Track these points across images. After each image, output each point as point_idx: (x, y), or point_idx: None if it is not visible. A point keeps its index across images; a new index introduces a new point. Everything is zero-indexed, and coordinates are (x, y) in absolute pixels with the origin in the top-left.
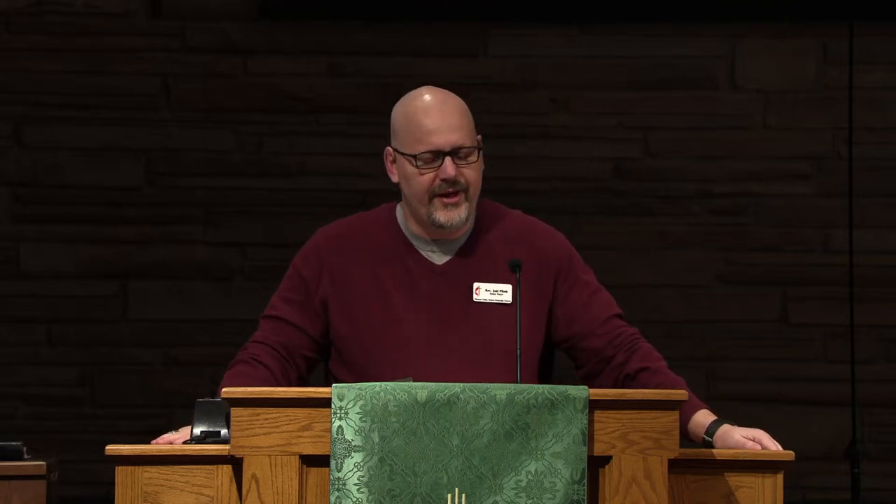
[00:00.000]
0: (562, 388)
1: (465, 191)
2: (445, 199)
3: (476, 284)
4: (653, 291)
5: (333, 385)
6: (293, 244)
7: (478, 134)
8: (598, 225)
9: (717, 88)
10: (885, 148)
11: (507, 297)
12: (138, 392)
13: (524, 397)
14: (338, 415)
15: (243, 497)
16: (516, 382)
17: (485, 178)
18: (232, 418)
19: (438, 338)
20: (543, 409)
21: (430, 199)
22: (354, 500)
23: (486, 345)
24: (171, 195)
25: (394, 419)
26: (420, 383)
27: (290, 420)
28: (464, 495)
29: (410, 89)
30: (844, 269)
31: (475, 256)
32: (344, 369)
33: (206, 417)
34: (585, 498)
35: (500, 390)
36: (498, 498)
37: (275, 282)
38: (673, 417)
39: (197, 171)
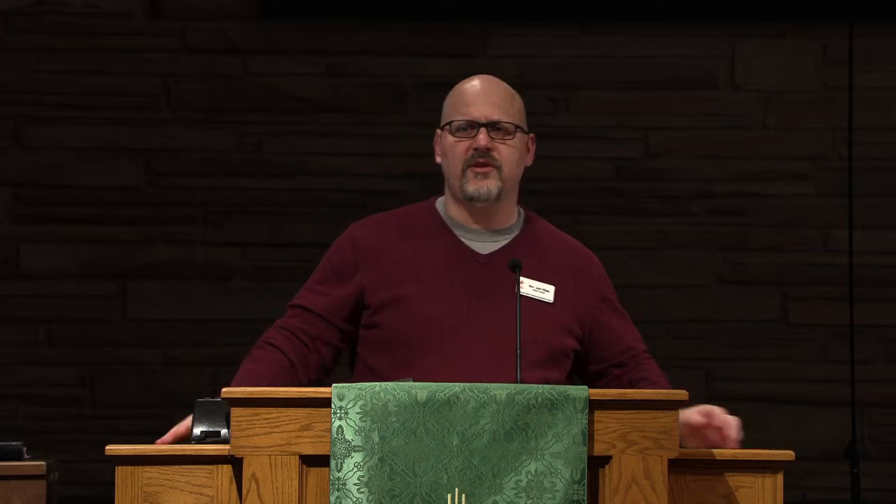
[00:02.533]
0: (562, 388)
1: (499, 168)
2: (476, 169)
3: (520, 278)
4: (653, 291)
5: (333, 385)
6: (293, 244)
7: (529, 132)
8: (598, 225)
9: (717, 88)
10: (885, 148)
11: (549, 297)
12: (138, 392)
13: (524, 397)
14: (338, 415)
15: (243, 497)
16: (544, 380)
17: None
18: (232, 418)
19: (479, 326)
20: (543, 409)
21: (464, 171)
22: (354, 500)
23: (524, 337)
24: (171, 195)
25: (394, 419)
26: (420, 383)
27: (290, 420)
28: (464, 495)
29: (410, 89)
30: (844, 269)
31: (522, 253)
32: (378, 355)
33: (206, 417)
34: (585, 498)
35: (500, 390)
36: (498, 498)
37: (275, 282)
38: (673, 417)
39: (197, 171)
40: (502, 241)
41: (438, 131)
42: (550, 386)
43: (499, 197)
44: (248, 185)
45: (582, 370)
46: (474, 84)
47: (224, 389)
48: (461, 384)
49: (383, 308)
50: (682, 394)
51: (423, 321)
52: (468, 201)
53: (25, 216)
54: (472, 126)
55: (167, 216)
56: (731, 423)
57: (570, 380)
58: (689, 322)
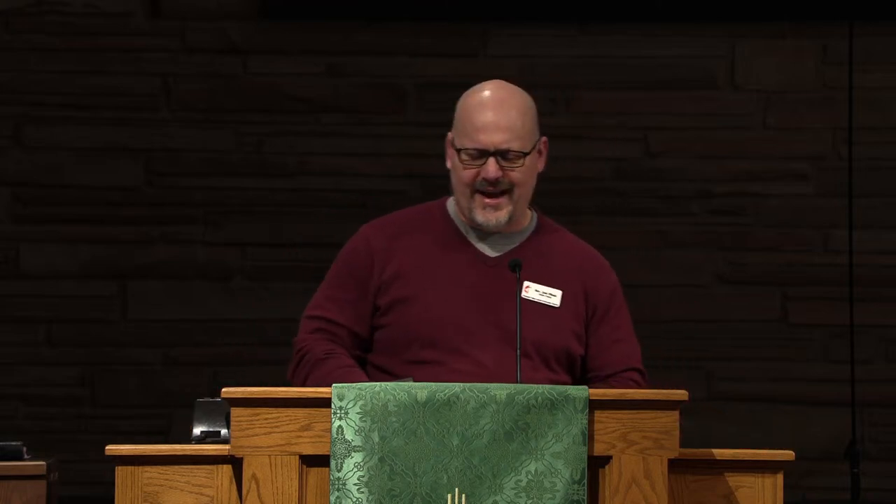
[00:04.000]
0: (562, 388)
1: (510, 191)
2: (486, 200)
3: (526, 283)
4: (653, 291)
5: (333, 385)
6: (293, 244)
7: (541, 136)
8: (598, 225)
9: (717, 88)
10: (885, 148)
11: (555, 301)
12: (138, 392)
13: (524, 397)
14: (338, 415)
15: (243, 497)
16: (554, 381)
17: None
18: (232, 418)
19: (483, 325)
20: (543, 409)
21: (472, 195)
22: (354, 500)
23: (529, 339)
24: (171, 195)
25: (394, 419)
26: (420, 383)
27: (290, 420)
28: (464, 495)
29: (410, 89)
30: (844, 269)
31: (530, 257)
32: (387, 356)
33: (206, 417)
34: (585, 498)
35: (500, 390)
36: (498, 498)
37: (275, 282)
38: (673, 417)
39: (197, 171)
40: (511, 245)
41: (450, 135)
42: (550, 386)
43: (510, 220)
44: (248, 185)
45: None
46: (486, 102)
47: (224, 389)
48: (461, 384)
49: (392, 308)
50: (682, 394)
51: (431, 322)
52: (475, 225)
53: (25, 216)
54: (482, 154)
55: (167, 216)
56: None
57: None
58: (690, 322)
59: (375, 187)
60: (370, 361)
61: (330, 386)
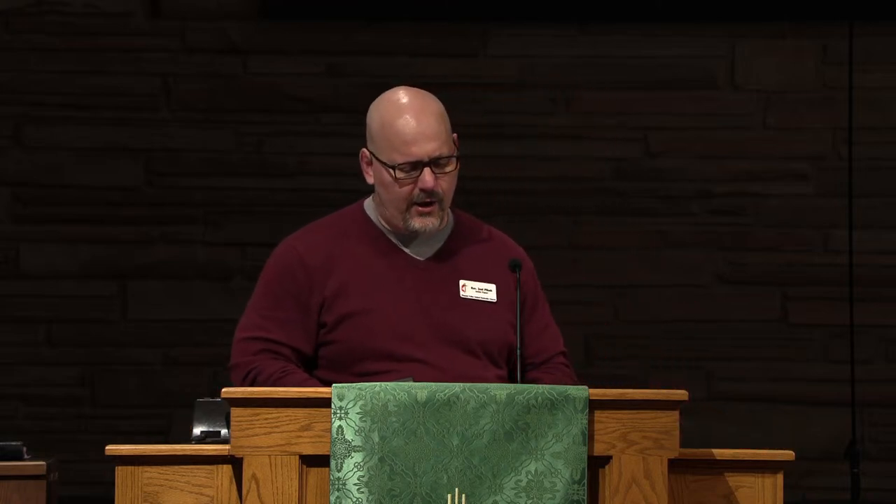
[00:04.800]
0: (562, 388)
1: (441, 201)
2: (421, 208)
3: (462, 282)
4: (653, 291)
5: (333, 385)
6: None
7: (453, 132)
8: (598, 225)
9: (717, 88)
10: (885, 148)
11: (492, 296)
12: (138, 392)
13: (524, 397)
14: (338, 415)
15: (243, 497)
16: (501, 377)
17: (485, 178)
18: (232, 418)
19: (430, 330)
20: (543, 409)
21: (408, 208)
22: (354, 500)
23: (476, 339)
24: (171, 195)
25: (394, 419)
26: (420, 383)
27: (290, 420)
28: (464, 495)
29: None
30: (844, 269)
31: (457, 256)
32: (334, 371)
33: (206, 417)
34: (585, 498)
35: (500, 390)
36: (498, 498)
37: None
38: (673, 417)
39: (197, 171)
40: (437, 244)
41: (366, 152)
42: (550, 386)
43: (440, 223)
44: (248, 185)
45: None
46: (405, 112)
47: (224, 389)
48: (461, 384)
49: (339, 324)
50: (682, 394)
51: (381, 333)
52: (411, 234)
53: (25, 216)
54: (416, 167)
55: (167, 216)
56: None
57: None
58: (690, 322)
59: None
60: (318, 377)
61: None
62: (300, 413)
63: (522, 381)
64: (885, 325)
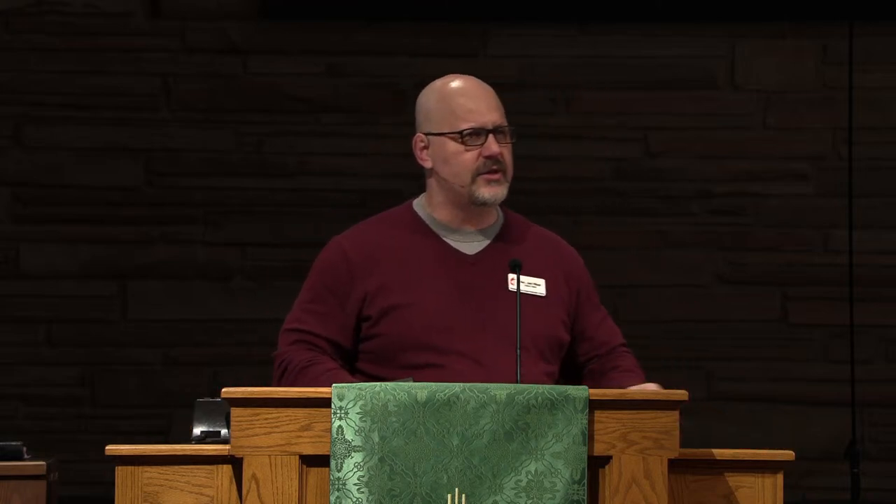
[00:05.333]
0: (562, 388)
1: (504, 171)
2: (488, 176)
3: (510, 276)
4: (653, 291)
5: (333, 385)
6: (293, 244)
7: None
8: (598, 225)
9: (717, 88)
10: (885, 148)
11: (541, 290)
12: (138, 392)
13: (524, 397)
14: (338, 415)
15: (243, 497)
16: (551, 374)
17: None
18: (232, 418)
19: (478, 324)
20: (543, 409)
21: (474, 178)
22: (354, 500)
23: (522, 334)
24: (171, 195)
25: (394, 419)
26: (420, 383)
27: (290, 420)
28: (464, 495)
29: (410, 89)
30: (844, 269)
31: (506, 251)
32: (379, 364)
33: (206, 417)
34: (585, 498)
35: (500, 390)
36: (498, 498)
37: (275, 281)
38: (673, 417)
39: (197, 171)
40: (486, 241)
41: (422, 136)
42: (550, 386)
43: (503, 197)
44: (248, 185)
45: (564, 363)
46: (466, 88)
47: (224, 389)
48: (461, 384)
49: (383, 317)
50: (682, 394)
51: (425, 326)
52: (477, 205)
53: (25, 216)
54: (480, 133)
55: (167, 216)
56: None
57: (562, 373)
58: (689, 322)
59: (375, 187)
60: (361, 371)
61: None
62: (300, 413)
63: (577, 376)
64: (885, 325)
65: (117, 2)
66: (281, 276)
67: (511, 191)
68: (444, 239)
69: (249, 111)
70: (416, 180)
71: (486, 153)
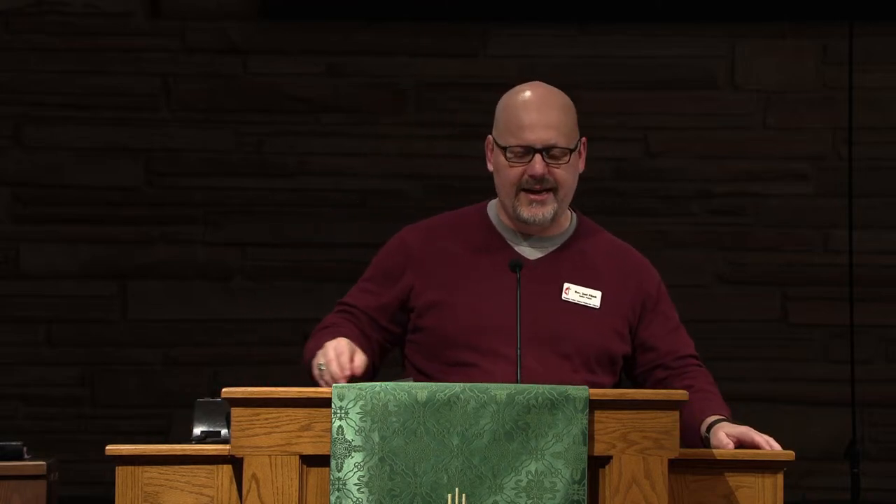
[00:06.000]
0: (562, 388)
1: (554, 190)
2: (532, 196)
3: (566, 285)
4: None
5: (333, 385)
6: (293, 244)
7: (581, 136)
8: (599, 225)
9: (717, 88)
10: (885, 148)
11: (595, 302)
12: (138, 392)
13: (524, 397)
14: (338, 415)
15: (243, 497)
16: (595, 384)
17: (484, 178)
18: (232, 418)
19: (524, 330)
20: (543, 409)
21: (517, 193)
22: (354, 500)
23: (568, 343)
24: (171, 195)
25: (394, 419)
26: (420, 383)
27: (291, 420)
28: (464, 495)
29: (410, 89)
30: (844, 269)
31: (569, 259)
32: (425, 358)
33: (206, 417)
34: (585, 498)
35: (500, 390)
36: (498, 498)
37: (275, 281)
38: (673, 417)
39: (197, 171)
40: (552, 247)
41: (490, 137)
42: (550, 386)
43: (554, 218)
44: (248, 185)
45: (629, 374)
46: (529, 101)
47: (224, 389)
48: (461, 384)
49: (428, 311)
50: (682, 394)
51: (468, 325)
52: (520, 223)
53: (25, 216)
54: (528, 152)
55: (167, 216)
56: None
57: (619, 385)
58: (689, 322)
59: (375, 187)
60: (412, 364)
61: (320, 349)
62: (300, 413)
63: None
64: (885, 325)
65: (117, 2)
66: (281, 276)
67: None
68: (510, 242)
69: (249, 111)
70: (417, 180)
71: (530, 172)
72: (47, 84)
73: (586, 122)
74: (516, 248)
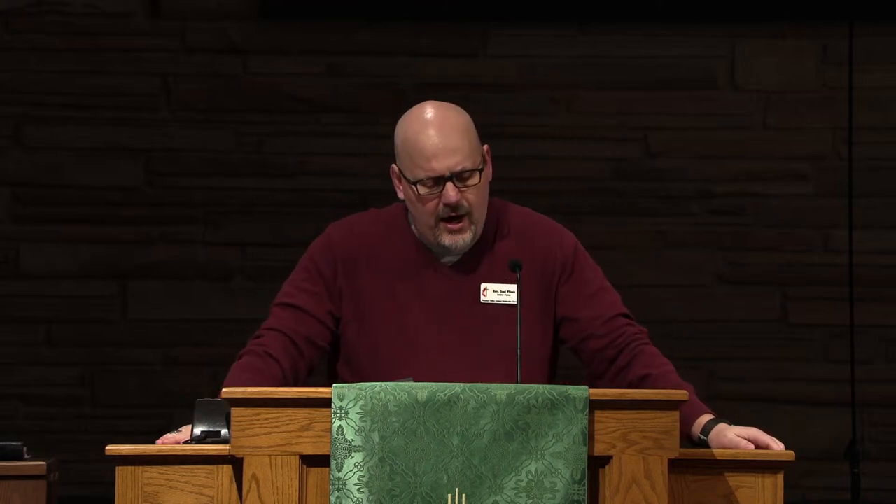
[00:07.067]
0: (562, 388)
1: (469, 214)
2: (450, 226)
3: (483, 285)
4: (653, 291)
5: (334, 385)
6: (293, 244)
7: (483, 144)
8: (598, 225)
9: (717, 88)
10: (885, 148)
11: (512, 298)
12: (138, 392)
13: (524, 397)
14: (338, 415)
15: (243, 497)
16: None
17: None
18: (232, 418)
19: (445, 339)
20: (544, 409)
21: (436, 224)
22: (354, 500)
23: (491, 346)
24: (171, 195)
25: (394, 419)
26: (420, 383)
27: (290, 420)
28: (464, 495)
29: (410, 89)
30: (844, 269)
31: (482, 257)
32: (348, 370)
33: (207, 417)
34: (585, 498)
35: (501, 390)
36: (498, 498)
37: (275, 282)
38: (673, 417)
39: (197, 171)
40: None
41: (395, 168)
42: (551, 386)
43: (473, 238)
44: (248, 185)
45: (577, 356)
46: (428, 129)
47: (224, 389)
48: (461, 384)
49: (350, 322)
50: (682, 394)
51: (392, 338)
52: (443, 250)
53: (25, 216)
54: (438, 182)
55: (167, 216)
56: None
57: (555, 375)
58: (689, 322)
59: (375, 187)
60: (335, 373)
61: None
62: (300, 413)
63: (598, 376)
64: (885, 325)
65: (117, 2)
66: (281, 276)
67: (512, 191)
68: (428, 248)
69: (249, 111)
70: None
71: (444, 200)
72: (47, 84)
73: (586, 122)
74: (433, 254)
